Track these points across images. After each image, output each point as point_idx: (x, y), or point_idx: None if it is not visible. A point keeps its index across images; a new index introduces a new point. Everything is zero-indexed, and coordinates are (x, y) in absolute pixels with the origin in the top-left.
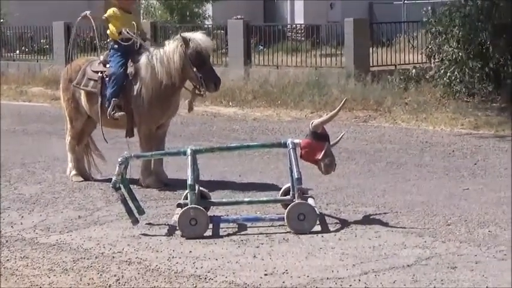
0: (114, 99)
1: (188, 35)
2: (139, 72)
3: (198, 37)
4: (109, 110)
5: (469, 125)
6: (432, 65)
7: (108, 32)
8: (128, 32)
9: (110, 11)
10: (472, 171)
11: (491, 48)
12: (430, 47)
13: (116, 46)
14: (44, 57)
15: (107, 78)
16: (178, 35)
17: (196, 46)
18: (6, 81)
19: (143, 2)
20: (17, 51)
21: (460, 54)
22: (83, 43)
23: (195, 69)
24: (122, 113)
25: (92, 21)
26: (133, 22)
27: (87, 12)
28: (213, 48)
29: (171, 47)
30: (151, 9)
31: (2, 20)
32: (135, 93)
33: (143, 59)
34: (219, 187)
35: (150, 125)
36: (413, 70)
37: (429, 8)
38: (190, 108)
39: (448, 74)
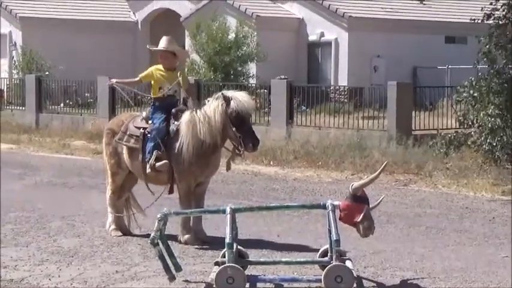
0: (156, 150)
1: (230, 93)
2: (180, 130)
3: (239, 96)
4: (150, 161)
5: (510, 191)
6: (473, 131)
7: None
8: (168, 90)
9: (148, 71)
10: None
11: None
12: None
13: (156, 103)
14: (88, 111)
15: (149, 134)
16: (220, 94)
17: (236, 106)
18: (50, 134)
19: (187, 60)
20: (61, 104)
21: (498, 121)
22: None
23: (234, 129)
24: (165, 161)
25: (119, 89)
26: (171, 81)
27: (112, 81)
28: (254, 109)
29: (213, 105)
30: (195, 66)
31: (47, 73)
32: (176, 150)
33: (185, 117)
34: (257, 246)
35: (190, 182)
36: (454, 135)
37: (471, 78)
38: (228, 168)
39: (489, 140)
